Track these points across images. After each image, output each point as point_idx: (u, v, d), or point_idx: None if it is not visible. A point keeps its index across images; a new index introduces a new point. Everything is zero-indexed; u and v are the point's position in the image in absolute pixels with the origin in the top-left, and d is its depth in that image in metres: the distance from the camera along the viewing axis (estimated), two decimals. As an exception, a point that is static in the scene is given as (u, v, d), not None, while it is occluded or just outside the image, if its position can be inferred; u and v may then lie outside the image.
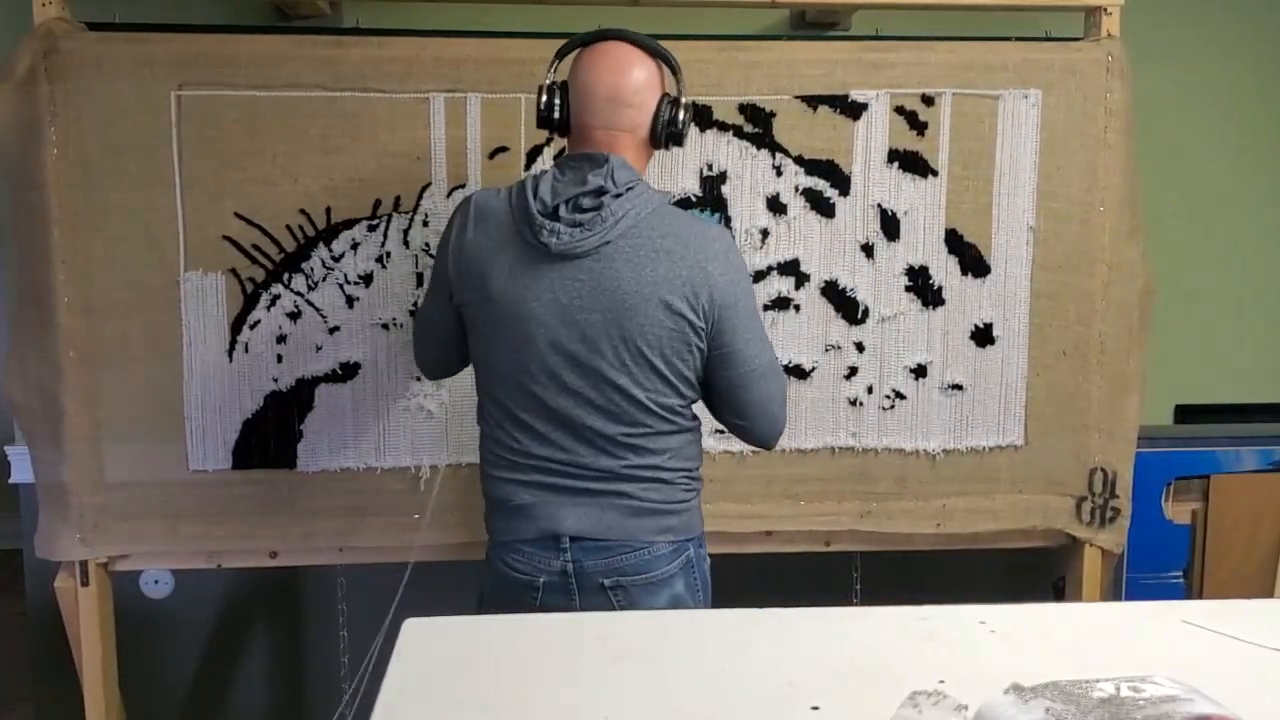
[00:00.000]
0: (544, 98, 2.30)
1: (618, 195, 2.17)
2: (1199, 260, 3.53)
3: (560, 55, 2.35)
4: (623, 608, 2.25)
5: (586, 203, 2.17)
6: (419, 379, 2.89)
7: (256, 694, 3.41)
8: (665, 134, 2.29)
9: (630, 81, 2.26)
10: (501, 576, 2.35)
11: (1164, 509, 3.38)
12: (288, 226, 2.82)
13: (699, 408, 2.38)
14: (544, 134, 2.83)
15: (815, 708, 1.68)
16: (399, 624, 1.98)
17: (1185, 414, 3.59)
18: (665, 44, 2.86)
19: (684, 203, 2.92)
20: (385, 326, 2.87)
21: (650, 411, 2.23)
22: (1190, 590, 3.39)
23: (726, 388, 2.31)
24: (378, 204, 2.83)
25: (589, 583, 2.27)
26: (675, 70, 2.33)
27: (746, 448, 3.00)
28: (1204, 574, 3.40)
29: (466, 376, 2.85)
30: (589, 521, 2.26)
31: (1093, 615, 2.30)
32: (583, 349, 2.19)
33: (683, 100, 2.31)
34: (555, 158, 2.76)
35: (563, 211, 2.17)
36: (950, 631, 1.96)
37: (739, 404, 2.33)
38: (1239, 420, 3.51)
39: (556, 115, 2.30)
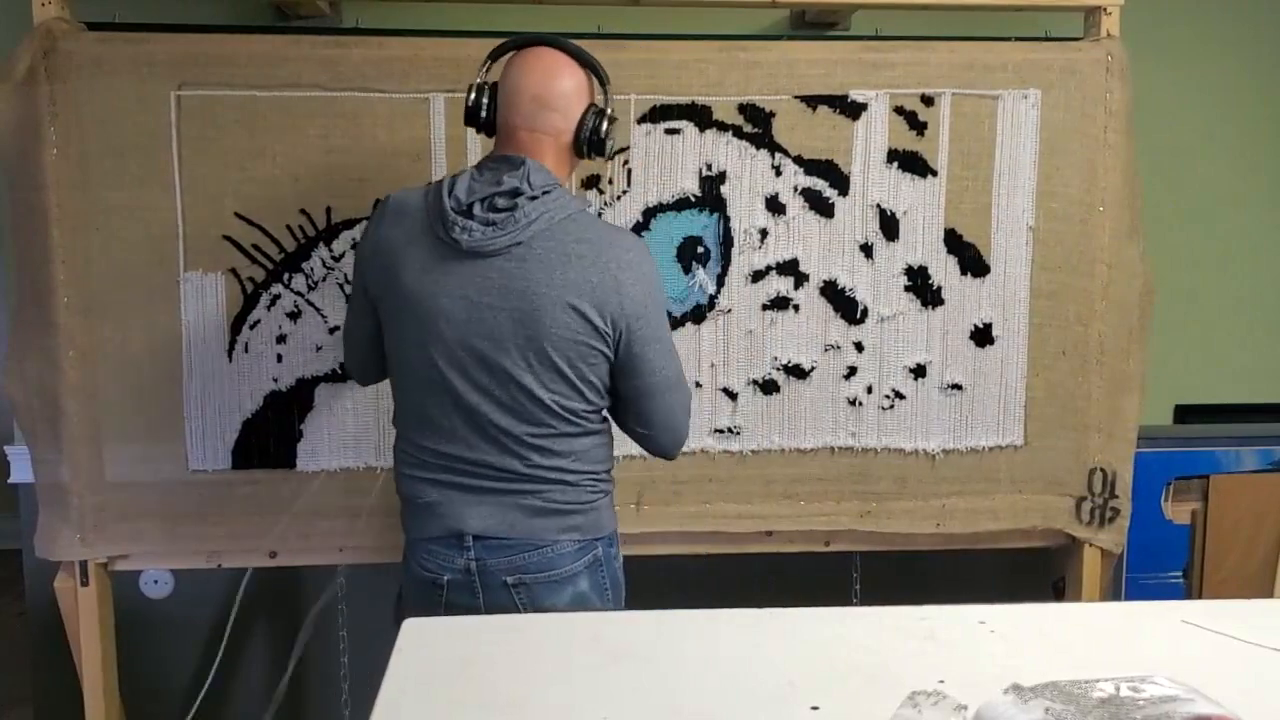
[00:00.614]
0: (473, 95, 2.31)
1: (533, 197, 2.18)
2: (1199, 260, 3.53)
3: (494, 56, 2.36)
4: (525, 605, 2.26)
5: (501, 203, 2.18)
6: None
7: (256, 694, 3.40)
8: (588, 142, 2.29)
9: (558, 86, 2.27)
10: (413, 575, 2.37)
11: (1164, 509, 3.38)
12: (288, 226, 2.82)
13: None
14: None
15: (815, 707, 1.68)
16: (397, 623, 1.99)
17: (1185, 414, 3.59)
18: (665, 44, 2.89)
19: (683, 202, 2.93)
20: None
21: (555, 413, 2.23)
22: (1190, 590, 3.39)
23: (632, 396, 2.34)
24: (378, 204, 2.82)
25: (492, 580, 2.28)
26: (603, 81, 2.35)
27: (746, 448, 3.01)
28: (1204, 574, 3.40)
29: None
30: (492, 520, 2.27)
31: (1092, 615, 2.30)
32: (490, 347, 2.20)
33: (608, 112, 2.32)
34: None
35: (476, 210, 2.18)
36: (950, 631, 1.96)
37: (643, 413, 2.36)
38: (1239, 420, 3.51)
39: (484, 114, 2.30)
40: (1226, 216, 3.54)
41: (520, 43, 2.34)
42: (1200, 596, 3.35)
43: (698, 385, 2.98)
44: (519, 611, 2.26)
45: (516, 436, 2.24)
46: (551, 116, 2.26)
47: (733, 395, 3.00)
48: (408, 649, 1.92)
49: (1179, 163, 3.46)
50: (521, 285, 2.17)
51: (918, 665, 1.85)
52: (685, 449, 2.94)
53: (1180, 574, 3.40)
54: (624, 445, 2.89)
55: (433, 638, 1.96)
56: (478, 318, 2.19)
